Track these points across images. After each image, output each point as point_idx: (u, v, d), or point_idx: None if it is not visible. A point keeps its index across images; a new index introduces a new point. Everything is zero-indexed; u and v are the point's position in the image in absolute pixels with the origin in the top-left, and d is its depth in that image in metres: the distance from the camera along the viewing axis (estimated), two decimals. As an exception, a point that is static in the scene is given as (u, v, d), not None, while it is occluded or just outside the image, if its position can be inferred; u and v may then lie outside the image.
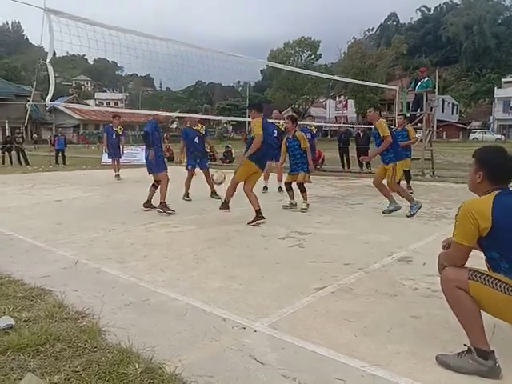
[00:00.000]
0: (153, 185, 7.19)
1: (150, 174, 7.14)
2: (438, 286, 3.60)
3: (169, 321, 2.92)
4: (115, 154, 12.65)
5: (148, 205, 7.14)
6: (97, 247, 4.85)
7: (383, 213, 6.73)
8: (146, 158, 6.99)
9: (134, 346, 2.50)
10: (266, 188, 9.51)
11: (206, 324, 2.86)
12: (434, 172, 12.98)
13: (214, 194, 8.42)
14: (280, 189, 9.39)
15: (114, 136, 12.45)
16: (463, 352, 2.35)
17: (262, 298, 3.32)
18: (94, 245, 4.96)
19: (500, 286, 2.28)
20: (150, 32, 6.83)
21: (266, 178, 9.59)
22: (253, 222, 5.99)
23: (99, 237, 5.34)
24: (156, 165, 6.93)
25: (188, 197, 8.29)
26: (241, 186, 6.15)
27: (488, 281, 2.31)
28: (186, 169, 8.39)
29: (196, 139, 8.41)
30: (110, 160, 12.89)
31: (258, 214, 6.05)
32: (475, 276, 2.33)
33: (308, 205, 7.26)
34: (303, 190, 7.32)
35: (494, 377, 2.26)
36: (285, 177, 7.75)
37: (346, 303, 3.24)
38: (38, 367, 2.29)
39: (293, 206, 7.40)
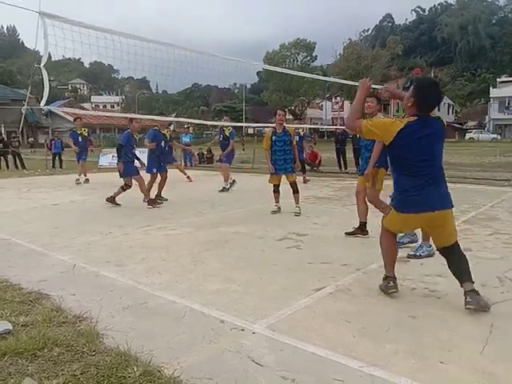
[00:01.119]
0: (121, 187, 7.99)
1: (120, 177, 8.01)
2: (436, 285, 3.64)
3: (167, 323, 2.92)
4: (85, 157, 12.27)
5: (111, 199, 7.96)
6: (94, 251, 4.85)
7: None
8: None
9: (133, 349, 2.49)
10: (225, 189, 9.85)
11: (205, 326, 2.86)
12: (430, 172, 12.99)
13: (160, 197, 8.45)
14: (224, 189, 9.78)
15: (81, 139, 12.02)
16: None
17: (260, 300, 3.32)
18: (91, 248, 4.95)
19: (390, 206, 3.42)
20: (148, 34, 6.84)
21: (226, 180, 9.89)
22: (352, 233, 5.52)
23: (97, 240, 5.33)
24: (124, 172, 7.87)
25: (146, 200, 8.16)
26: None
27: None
28: (148, 172, 8.48)
29: (163, 143, 8.62)
30: (79, 163, 12.16)
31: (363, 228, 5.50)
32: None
33: (300, 208, 6.92)
34: (297, 191, 6.93)
35: (392, 290, 3.33)
36: (268, 178, 7.17)
37: (344, 304, 3.24)
38: (36, 372, 2.28)
39: (279, 209, 7.10)
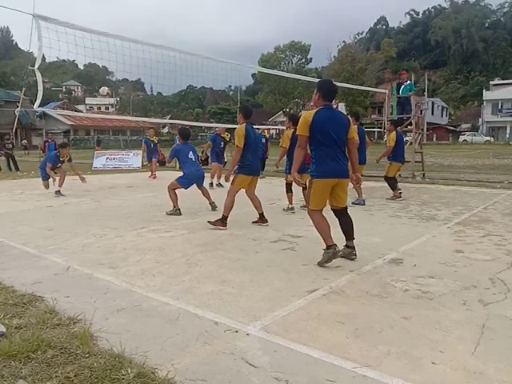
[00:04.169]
0: None
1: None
2: (429, 287, 3.67)
3: (161, 325, 2.92)
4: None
5: None
6: (88, 253, 4.84)
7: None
8: None
9: (127, 351, 2.50)
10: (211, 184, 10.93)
11: (199, 328, 2.86)
12: (424, 174, 13.11)
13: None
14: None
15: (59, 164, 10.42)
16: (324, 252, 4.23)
17: (254, 302, 3.33)
18: (85, 250, 4.94)
19: (310, 187, 4.31)
20: (143, 35, 6.90)
21: (213, 177, 11.24)
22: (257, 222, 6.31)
23: (91, 242, 5.32)
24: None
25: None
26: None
27: (308, 194, 4.35)
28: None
29: (151, 145, 12.75)
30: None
31: (261, 217, 6.30)
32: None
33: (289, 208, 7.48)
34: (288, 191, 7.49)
35: (336, 256, 4.19)
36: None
37: (338, 305, 3.26)
38: (30, 374, 2.28)
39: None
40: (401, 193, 8.81)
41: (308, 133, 4.11)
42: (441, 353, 2.52)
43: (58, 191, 9.91)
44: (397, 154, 8.89)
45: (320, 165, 4.17)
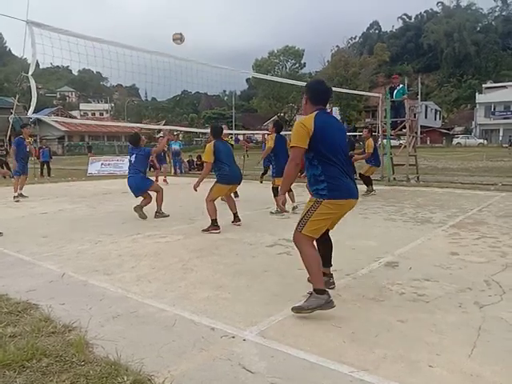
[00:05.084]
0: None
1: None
2: (425, 290, 3.67)
3: (157, 332, 2.90)
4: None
5: None
6: (83, 259, 4.81)
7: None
8: None
9: (123, 358, 2.48)
10: None
11: (195, 334, 2.85)
12: (418, 177, 13.17)
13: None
14: None
15: (27, 149, 10.49)
16: (308, 295, 3.21)
17: (251, 307, 3.33)
18: (80, 257, 4.91)
19: (313, 207, 3.22)
20: (137, 41, 6.92)
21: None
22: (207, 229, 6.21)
23: (86, 249, 5.29)
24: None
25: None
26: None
27: (307, 215, 3.21)
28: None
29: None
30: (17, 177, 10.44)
31: (214, 223, 6.24)
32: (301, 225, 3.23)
33: (277, 211, 7.60)
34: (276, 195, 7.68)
35: (330, 306, 3.09)
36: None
37: (334, 309, 3.25)
38: (25, 383, 2.26)
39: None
40: (374, 193, 9.96)
41: (307, 144, 3.17)
42: (437, 356, 2.52)
43: (20, 194, 10.33)
44: (376, 158, 10.15)
45: (333, 182, 3.24)
